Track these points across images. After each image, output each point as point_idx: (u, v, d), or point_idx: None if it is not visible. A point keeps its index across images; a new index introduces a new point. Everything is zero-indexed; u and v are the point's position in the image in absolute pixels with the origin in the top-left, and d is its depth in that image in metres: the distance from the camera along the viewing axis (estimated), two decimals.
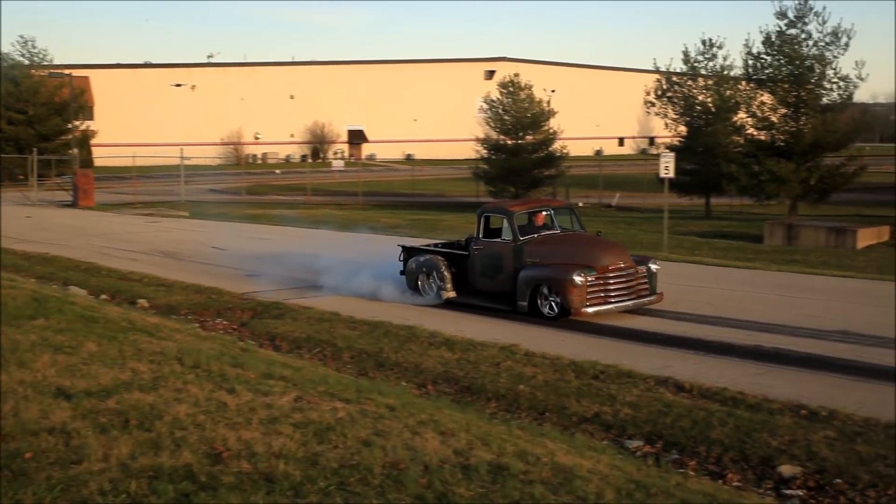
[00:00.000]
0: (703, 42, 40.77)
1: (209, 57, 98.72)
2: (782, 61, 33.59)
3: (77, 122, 55.96)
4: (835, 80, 33.51)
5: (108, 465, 5.80)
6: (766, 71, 34.23)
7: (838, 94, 33.85)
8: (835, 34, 32.85)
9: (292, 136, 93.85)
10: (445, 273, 15.98)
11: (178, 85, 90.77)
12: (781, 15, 33.52)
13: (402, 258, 16.99)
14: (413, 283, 16.43)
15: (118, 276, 19.16)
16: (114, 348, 9.61)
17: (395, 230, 27.93)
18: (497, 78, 55.47)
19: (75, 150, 48.40)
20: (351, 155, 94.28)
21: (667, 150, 30.14)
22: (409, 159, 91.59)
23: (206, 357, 9.42)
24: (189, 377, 8.38)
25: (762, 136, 35.54)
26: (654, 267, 15.19)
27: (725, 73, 40.25)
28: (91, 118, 70.44)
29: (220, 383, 8.19)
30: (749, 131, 36.73)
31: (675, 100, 41.86)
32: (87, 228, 30.36)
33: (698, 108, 41.14)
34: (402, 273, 16.82)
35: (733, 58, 41.69)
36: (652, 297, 14.97)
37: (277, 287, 17.63)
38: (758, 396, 9.72)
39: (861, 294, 16.67)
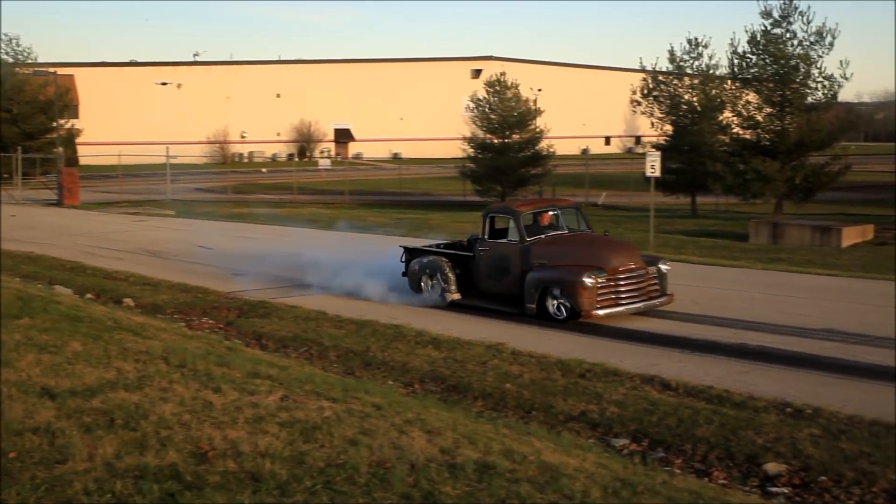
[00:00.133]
0: (689, 41, 40.87)
1: (195, 55, 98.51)
2: (767, 60, 33.73)
3: (62, 121, 55.68)
4: (819, 79, 33.70)
5: (93, 465, 5.78)
6: (752, 70, 34.37)
7: (823, 94, 34.03)
8: (819, 34, 33.02)
9: (279, 134, 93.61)
10: (449, 275, 15.61)
11: (164, 83, 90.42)
12: (766, 14, 33.67)
13: (403, 259, 16.64)
14: (416, 284, 16.08)
15: (103, 275, 19.08)
16: (99, 347, 9.57)
17: (373, 230, 27.86)
18: (484, 77, 55.48)
19: (60, 149, 48.19)
20: (338, 154, 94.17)
21: (653, 149, 30.20)
22: (395, 158, 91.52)
23: (192, 356, 9.40)
24: (175, 376, 8.36)
25: (747, 135, 35.69)
26: (664, 267, 14.89)
27: (711, 72, 40.34)
28: (76, 116, 69.98)
29: (205, 382, 8.17)
30: (734, 130, 36.88)
31: (661, 99, 41.95)
32: (72, 227, 30.22)
33: (684, 107, 41.24)
34: (404, 274, 16.47)
35: (719, 57, 42.04)
36: (663, 299, 14.66)
37: (264, 286, 17.60)
38: (743, 394, 9.76)
39: (846, 292, 16.75)
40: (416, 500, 5.46)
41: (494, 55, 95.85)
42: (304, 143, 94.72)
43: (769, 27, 33.71)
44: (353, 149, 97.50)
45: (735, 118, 36.25)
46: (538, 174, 45.65)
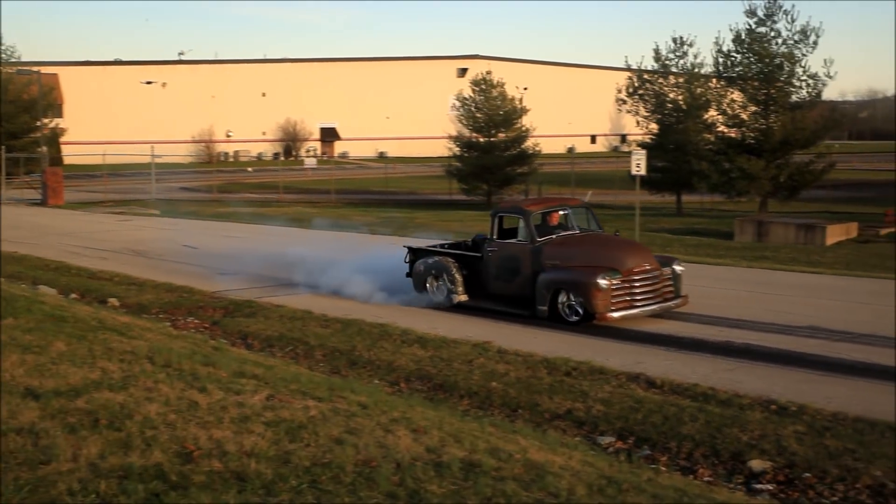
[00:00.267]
0: (675, 40, 40.94)
1: (180, 54, 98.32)
2: (752, 59, 33.83)
3: (46, 120, 55.34)
4: (804, 77, 33.80)
5: (78, 465, 5.76)
6: (737, 69, 34.46)
7: (807, 92, 34.14)
8: (804, 32, 33.14)
9: (264, 133, 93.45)
10: (456, 275, 15.24)
11: (149, 82, 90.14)
12: (751, 13, 33.76)
13: (407, 259, 16.23)
14: (421, 285, 15.71)
15: (88, 275, 19.00)
16: (83, 347, 9.53)
17: (358, 229, 27.84)
18: (469, 76, 55.44)
19: (44, 148, 47.89)
20: (323, 153, 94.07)
21: (638, 148, 30.28)
22: (381, 157, 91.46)
23: (178, 356, 9.37)
24: (160, 376, 8.33)
25: (732, 133, 35.79)
26: (678, 268, 14.55)
27: (696, 70, 40.43)
28: (60, 116, 69.63)
29: (191, 382, 8.15)
30: (720, 129, 36.99)
31: (647, 97, 42.02)
32: (56, 227, 30.09)
33: (669, 105, 41.32)
34: (409, 275, 16.06)
35: (704, 56, 42.14)
36: (678, 301, 14.32)
37: (249, 285, 17.56)
38: (728, 392, 9.79)
39: (830, 290, 16.84)
40: (402, 498, 5.45)
41: (480, 54, 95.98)
42: (290, 142, 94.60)
43: (754, 26, 33.82)
44: (338, 148, 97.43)
45: (720, 117, 36.36)
46: (524, 173, 45.74)
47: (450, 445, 6.65)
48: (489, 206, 42.62)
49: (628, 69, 43.06)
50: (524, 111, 46.83)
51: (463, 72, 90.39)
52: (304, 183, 56.80)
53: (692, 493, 6.34)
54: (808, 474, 7.68)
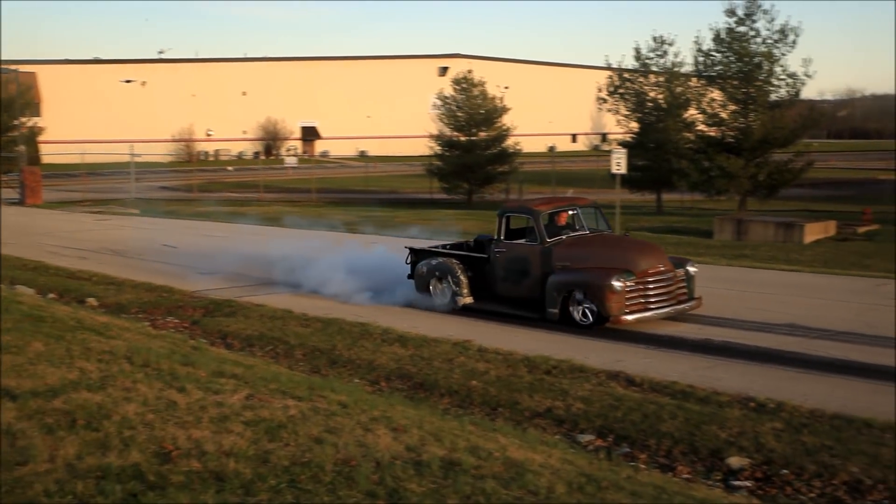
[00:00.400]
0: (655, 39, 41.03)
1: (160, 53, 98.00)
2: (732, 58, 33.94)
3: (24, 119, 54.95)
4: (783, 76, 33.92)
5: (55, 466, 5.73)
6: (716, 68, 34.56)
7: (786, 91, 34.27)
8: (782, 32, 33.27)
9: (245, 132, 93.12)
10: (461, 277, 14.86)
11: (129, 81, 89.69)
12: (731, 13, 33.87)
13: (409, 261, 15.83)
14: (423, 287, 15.31)
15: (67, 275, 18.88)
16: (61, 348, 9.48)
17: (338, 228, 27.79)
18: (450, 74, 55.47)
19: (22, 148, 47.54)
20: (304, 152, 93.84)
21: (619, 147, 30.34)
22: (362, 156, 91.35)
23: (156, 356, 9.33)
24: (138, 376, 8.29)
25: (712, 132, 35.89)
26: (692, 270, 14.24)
27: (676, 69, 40.54)
28: (38, 114, 69.20)
29: (170, 382, 8.12)
30: (699, 127, 37.07)
31: (627, 96, 42.09)
32: (34, 226, 29.88)
33: (650, 104, 41.41)
34: (410, 277, 15.68)
35: (684, 55, 42.11)
36: (692, 303, 14.06)
37: (229, 284, 17.50)
38: (707, 389, 9.84)
39: (808, 288, 16.93)
40: (382, 497, 5.45)
41: (461, 53, 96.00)
42: (271, 141, 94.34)
43: (734, 25, 33.94)
44: (319, 147, 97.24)
45: (700, 115, 36.44)
46: (505, 172, 45.77)
47: (430, 444, 6.66)
48: (470, 205, 42.83)
49: (609, 68, 43.14)
50: (505, 110, 46.86)
51: (444, 71, 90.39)
52: (284, 182, 56.67)
53: (671, 491, 6.37)
54: (785, 471, 7.73)
